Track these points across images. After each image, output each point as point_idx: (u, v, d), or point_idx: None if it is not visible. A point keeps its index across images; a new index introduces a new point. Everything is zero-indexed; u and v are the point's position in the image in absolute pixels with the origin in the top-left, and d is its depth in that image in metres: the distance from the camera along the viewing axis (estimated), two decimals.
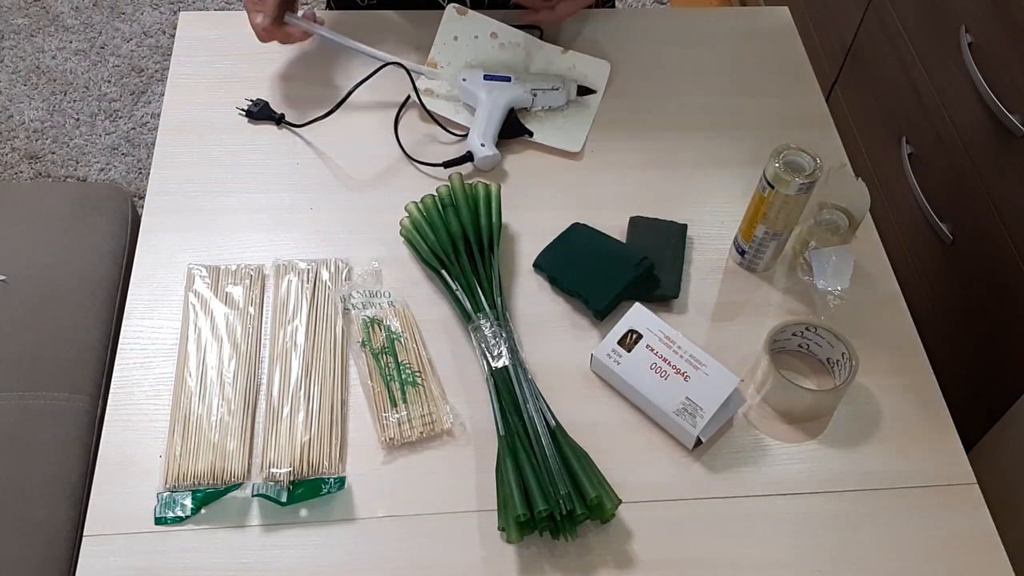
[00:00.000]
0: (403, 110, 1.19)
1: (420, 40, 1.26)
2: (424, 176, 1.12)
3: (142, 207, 1.11)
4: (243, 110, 1.18)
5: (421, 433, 0.92)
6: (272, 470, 0.87)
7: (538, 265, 1.05)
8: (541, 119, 1.18)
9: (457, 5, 1.22)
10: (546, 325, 1.02)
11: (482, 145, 1.12)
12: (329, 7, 1.36)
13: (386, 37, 1.27)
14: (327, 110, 1.15)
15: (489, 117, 1.14)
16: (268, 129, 1.17)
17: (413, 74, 1.17)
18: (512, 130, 1.16)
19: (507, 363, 0.94)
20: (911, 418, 0.97)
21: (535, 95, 1.17)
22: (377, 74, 1.15)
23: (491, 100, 1.15)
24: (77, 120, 2.30)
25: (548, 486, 0.85)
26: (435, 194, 1.07)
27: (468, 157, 1.12)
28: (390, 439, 0.91)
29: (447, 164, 1.12)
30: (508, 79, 1.17)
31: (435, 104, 1.19)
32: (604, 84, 1.22)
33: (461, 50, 1.21)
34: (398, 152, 1.15)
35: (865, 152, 1.78)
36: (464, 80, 1.17)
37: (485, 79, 1.17)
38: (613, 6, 1.41)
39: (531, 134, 1.16)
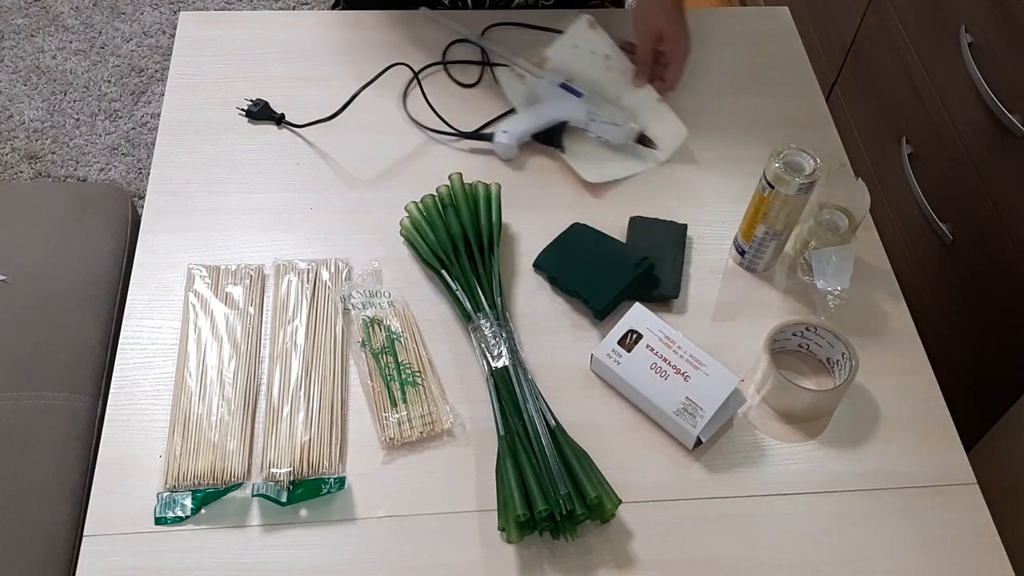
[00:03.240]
0: (410, 88, 1.20)
1: (429, 39, 1.26)
2: (424, 176, 1.12)
3: (142, 207, 1.11)
4: (243, 110, 1.18)
5: (421, 433, 0.92)
6: (272, 470, 0.87)
7: (538, 265, 1.05)
8: (591, 144, 1.16)
9: (591, 18, 1.23)
10: (546, 325, 1.02)
11: (504, 132, 1.12)
12: (337, 6, 1.35)
13: (396, 36, 1.27)
14: (327, 110, 1.15)
15: (532, 115, 1.14)
16: (268, 129, 1.17)
17: (511, 64, 1.20)
18: (550, 138, 1.15)
19: (507, 363, 0.94)
20: (911, 418, 0.97)
21: (593, 120, 1.14)
22: (369, 71, 1.16)
23: (548, 105, 1.15)
24: (77, 120, 2.30)
25: (548, 486, 0.85)
26: (435, 194, 1.07)
27: (489, 137, 1.13)
28: (390, 439, 0.91)
29: (468, 135, 1.14)
30: (580, 95, 1.16)
31: (513, 86, 1.20)
32: (673, 148, 1.17)
33: (574, 58, 1.22)
34: (398, 152, 1.15)
35: (865, 152, 1.78)
36: (541, 77, 1.17)
37: (559, 86, 1.16)
38: (623, 6, 1.41)
39: (563, 150, 1.15)
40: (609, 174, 1.15)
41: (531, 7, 1.32)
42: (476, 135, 1.15)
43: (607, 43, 1.23)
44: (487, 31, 1.28)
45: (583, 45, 1.22)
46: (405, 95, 1.20)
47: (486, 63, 1.25)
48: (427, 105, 1.18)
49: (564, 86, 1.17)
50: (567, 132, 1.16)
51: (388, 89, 1.20)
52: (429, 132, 1.16)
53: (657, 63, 1.20)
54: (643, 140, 1.16)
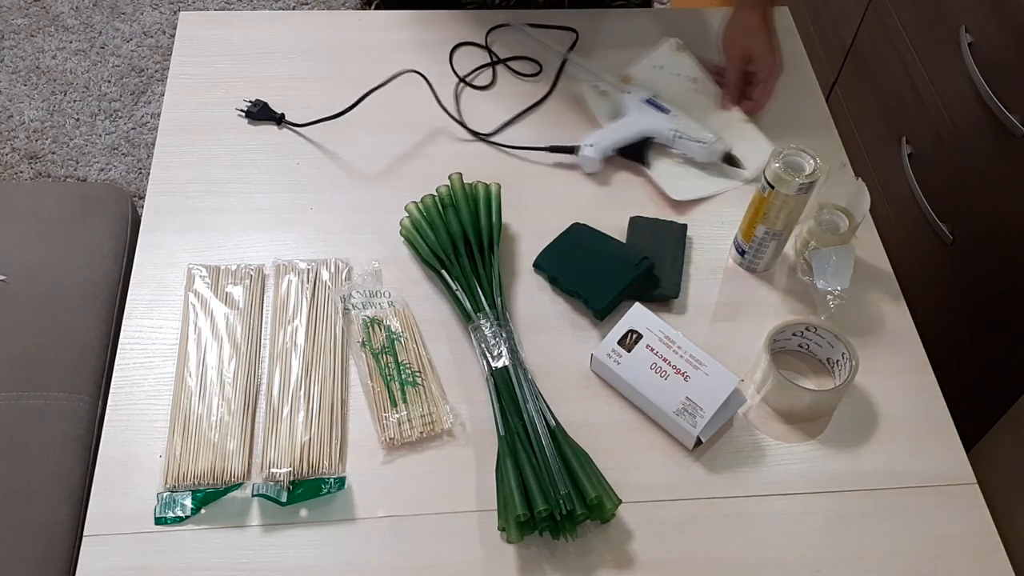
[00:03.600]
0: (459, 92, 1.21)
1: (431, 40, 1.26)
2: (424, 176, 1.12)
3: (142, 207, 1.11)
4: (242, 111, 1.17)
5: (421, 433, 0.92)
6: (272, 470, 0.87)
7: (538, 265, 1.05)
8: (675, 161, 1.15)
9: (678, 41, 1.24)
10: (546, 325, 1.02)
11: (589, 146, 1.12)
12: (367, 6, 1.36)
13: (396, 36, 1.27)
14: (327, 110, 1.15)
15: (618, 129, 1.14)
16: (268, 129, 1.17)
17: (592, 80, 1.22)
18: (635, 153, 1.14)
19: (507, 363, 0.94)
20: (911, 418, 0.97)
21: (678, 137, 1.13)
22: (369, 71, 1.15)
23: (634, 119, 1.15)
24: (77, 120, 2.30)
25: (548, 486, 0.85)
26: (435, 194, 1.07)
27: (573, 150, 1.13)
28: (390, 439, 0.91)
29: (552, 149, 1.14)
30: (667, 112, 1.15)
31: (596, 102, 1.20)
32: (759, 167, 1.13)
33: (658, 79, 1.22)
34: (398, 152, 1.15)
35: (865, 152, 1.78)
36: (628, 93, 1.17)
37: (645, 102, 1.16)
38: (651, 6, 1.41)
39: (648, 166, 1.14)
40: (694, 192, 1.13)
41: (555, 6, 1.32)
42: (559, 148, 1.14)
43: (693, 66, 1.23)
44: (492, 32, 1.27)
45: (668, 67, 1.23)
46: (458, 103, 1.20)
47: (495, 62, 1.24)
48: (453, 110, 1.17)
49: (651, 102, 1.16)
50: (651, 148, 1.15)
51: (389, 89, 1.20)
52: (502, 146, 1.16)
53: (746, 83, 1.19)
54: (730, 160, 1.15)
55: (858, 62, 1.80)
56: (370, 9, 1.33)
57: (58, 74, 2.39)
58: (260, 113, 1.17)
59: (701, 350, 0.94)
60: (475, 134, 1.17)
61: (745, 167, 1.15)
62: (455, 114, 1.19)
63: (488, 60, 1.25)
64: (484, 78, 1.24)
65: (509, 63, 1.25)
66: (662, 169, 1.14)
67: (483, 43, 1.27)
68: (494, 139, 1.17)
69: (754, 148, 1.16)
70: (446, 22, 1.29)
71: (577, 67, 1.24)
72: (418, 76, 1.20)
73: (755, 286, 1.07)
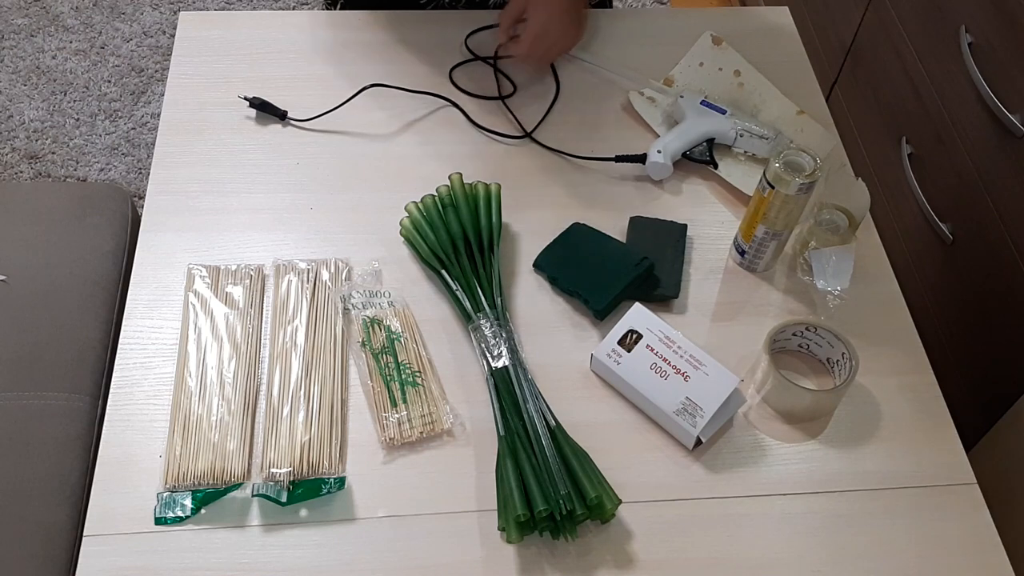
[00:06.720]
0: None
1: (429, 40, 1.26)
2: (424, 176, 1.12)
3: (142, 207, 1.11)
4: (244, 97, 1.17)
5: (421, 433, 0.92)
6: (272, 470, 0.87)
7: (538, 265, 1.05)
8: (738, 159, 1.16)
9: (714, 34, 1.23)
10: (546, 325, 1.02)
11: (658, 152, 1.12)
12: (330, 6, 1.35)
13: (396, 36, 1.27)
14: (330, 107, 1.15)
15: (682, 134, 1.14)
16: (268, 129, 1.17)
17: (642, 87, 1.20)
18: (701, 156, 1.15)
19: (507, 363, 0.94)
20: (911, 418, 0.97)
21: (741, 135, 1.14)
22: (369, 71, 1.15)
23: (694, 122, 1.15)
24: (77, 120, 2.30)
25: (548, 486, 0.85)
26: (435, 194, 1.07)
27: (642, 158, 1.13)
28: (390, 439, 0.91)
29: (619, 159, 1.14)
30: (724, 112, 1.16)
31: (646, 108, 1.19)
32: (822, 156, 1.10)
33: (701, 76, 1.22)
34: (398, 152, 1.15)
35: (865, 152, 1.78)
36: (682, 97, 1.17)
37: (701, 104, 1.16)
38: (611, 6, 1.41)
39: (716, 166, 1.14)
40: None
41: (481, 6, 1.31)
42: (626, 158, 1.14)
43: (735, 57, 1.22)
44: (472, 34, 1.27)
45: (709, 62, 1.22)
46: (509, 106, 1.20)
47: (493, 63, 1.24)
48: (474, 125, 1.17)
49: (706, 103, 1.16)
50: (714, 149, 1.15)
51: (389, 90, 1.20)
52: (569, 155, 1.16)
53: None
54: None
55: (858, 62, 1.80)
56: (335, 9, 1.33)
57: (58, 74, 2.39)
58: (263, 107, 1.17)
59: (701, 350, 0.94)
60: (530, 137, 1.18)
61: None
62: (495, 127, 1.18)
63: (478, 64, 1.25)
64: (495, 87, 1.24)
65: (501, 58, 1.25)
66: (729, 168, 1.15)
67: (479, 44, 1.26)
68: (560, 150, 1.17)
69: (813, 137, 1.16)
70: (442, 22, 1.29)
71: (620, 75, 1.24)
72: (411, 72, 1.20)
73: (755, 286, 1.07)
